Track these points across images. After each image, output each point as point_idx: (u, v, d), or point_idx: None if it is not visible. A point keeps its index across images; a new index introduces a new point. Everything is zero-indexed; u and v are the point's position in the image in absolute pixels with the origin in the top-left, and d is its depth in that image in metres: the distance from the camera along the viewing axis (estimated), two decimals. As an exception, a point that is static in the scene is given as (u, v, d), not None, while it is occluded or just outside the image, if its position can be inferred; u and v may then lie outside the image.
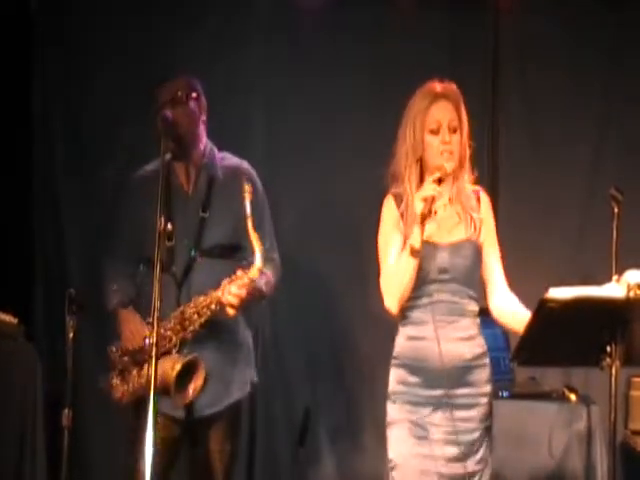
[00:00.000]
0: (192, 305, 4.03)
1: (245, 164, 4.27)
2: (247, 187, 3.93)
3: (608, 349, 3.84)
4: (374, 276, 3.72)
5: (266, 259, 4.12)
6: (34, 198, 5.40)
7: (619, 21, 5.47)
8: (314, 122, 5.46)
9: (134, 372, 4.10)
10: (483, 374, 3.68)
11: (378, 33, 5.47)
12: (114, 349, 4.15)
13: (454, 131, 3.67)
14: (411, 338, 3.66)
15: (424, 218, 3.51)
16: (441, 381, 3.59)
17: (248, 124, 5.43)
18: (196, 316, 4.02)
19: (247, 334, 4.28)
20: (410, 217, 3.62)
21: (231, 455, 4.24)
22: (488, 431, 3.68)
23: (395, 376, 3.69)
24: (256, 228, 4.05)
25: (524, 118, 5.54)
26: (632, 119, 5.47)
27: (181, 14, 5.42)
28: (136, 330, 4.12)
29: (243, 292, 3.96)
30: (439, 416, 3.60)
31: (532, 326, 3.87)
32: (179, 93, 4.14)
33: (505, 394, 4.85)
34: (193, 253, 4.11)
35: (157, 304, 3.48)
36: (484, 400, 3.66)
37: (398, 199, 3.70)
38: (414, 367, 3.64)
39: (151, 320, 3.52)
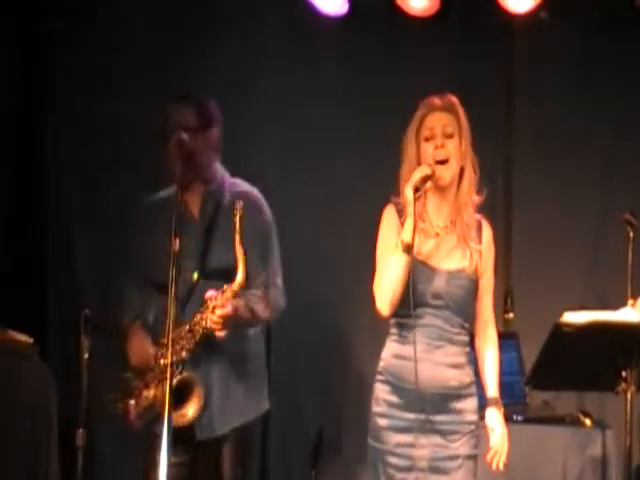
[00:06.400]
0: (187, 324, 4.02)
1: (255, 191, 4.25)
2: (238, 206, 3.93)
3: (623, 374, 3.84)
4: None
5: (269, 284, 4.14)
6: (48, 218, 5.41)
7: (633, 40, 5.47)
8: (327, 144, 5.47)
9: (143, 394, 4.09)
10: (469, 403, 3.62)
11: (391, 54, 5.50)
12: (129, 375, 4.13)
13: (450, 136, 3.63)
14: (396, 356, 3.62)
15: (416, 193, 3.49)
16: (420, 405, 3.55)
17: (261, 147, 5.44)
18: (190, 334, 4.01)
19: (257, 360, 4.24)
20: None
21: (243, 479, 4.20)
22: (474, 461, 3.60)
23: (378, 392, 3.65)
24: (261, 253, 4.09)
25: (538, 139, 5.55)
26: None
27: (202, 33, 5.44)
28: (138, 345, 4.12)
29: (228, 309, 3.94)
30: (421, 442, 3.55)
31: (547, 350, 3.87)
32: (194, 118, 4.11)
33: (519, 418, 4.81)
34: (195, 276, 4.13)
35: (171, 325, 3.50)
36: (469, 429, 3.59)
37: (399, 209, 3.66)
38: (396, 386, 3.60)
39: (165, 341, 3.54)
